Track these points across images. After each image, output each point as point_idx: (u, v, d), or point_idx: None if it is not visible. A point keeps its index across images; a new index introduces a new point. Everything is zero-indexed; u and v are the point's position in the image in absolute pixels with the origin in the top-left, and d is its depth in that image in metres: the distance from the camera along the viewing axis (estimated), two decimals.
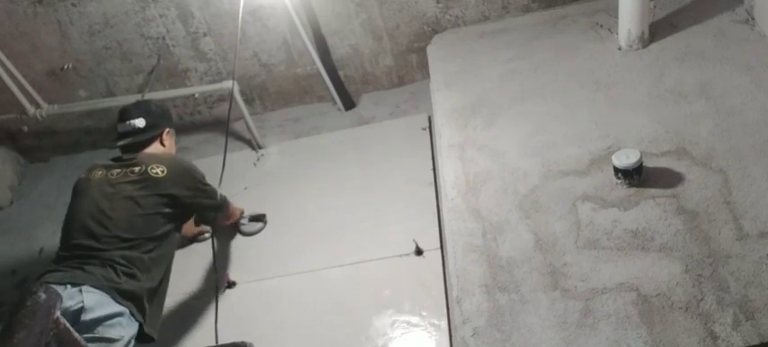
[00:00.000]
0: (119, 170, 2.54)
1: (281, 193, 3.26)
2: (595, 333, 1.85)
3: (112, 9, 3.35)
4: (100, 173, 2.56)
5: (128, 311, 2.24)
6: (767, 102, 2.38)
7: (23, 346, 1.72)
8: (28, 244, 3.45)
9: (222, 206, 2.79)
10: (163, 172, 2.53)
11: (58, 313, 1.80)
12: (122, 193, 2.46)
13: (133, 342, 2.26)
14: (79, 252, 2.34)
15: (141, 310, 2.31)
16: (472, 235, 2.25)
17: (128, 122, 2.67)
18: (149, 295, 2.36)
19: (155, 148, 2.70)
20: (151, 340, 2.36)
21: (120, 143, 2.67)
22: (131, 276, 2.31)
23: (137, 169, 2.53)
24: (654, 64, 2.72)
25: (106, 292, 2.21)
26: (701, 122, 2.38)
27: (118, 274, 2.28)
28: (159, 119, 2.76)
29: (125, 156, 2.63)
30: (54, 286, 2.08)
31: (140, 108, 2.76)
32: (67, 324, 1.86)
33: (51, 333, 1.78)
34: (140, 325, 2.30)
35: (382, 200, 3.04)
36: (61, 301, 1.90)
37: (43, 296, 1.77)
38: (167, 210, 2.51)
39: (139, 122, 2.66)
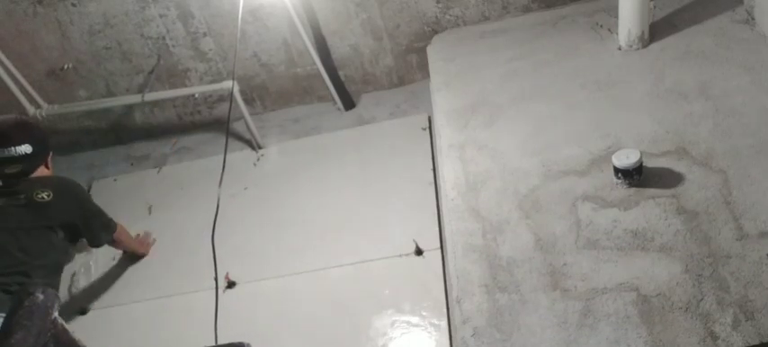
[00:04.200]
0: (3, 201, 2.48)
1: (280, 193, 3.26)
2: (595, 333, 1.85)
3: (112, 9, 3.35)
4: None
5: None
6: (767, 102, 2.38)
7: (21, 346, 1.73)
8: None
9: (111, 230, 2.81)
10: (48, 196, 2.49)
11: (55, 314, 1.80)
12: (9, 223, 2.43)
13: None
14: None
15: None
16: (472, 235, 2.25)
17: (13, 148, 2.51)
18: None
19: (39, 172, 2.65)
20: None
21: (8, 171, 2.54)
22: None
23: (22, 196, 2.48)
24: (654, 64, 2.71)
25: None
26: (701, 122, 2.38)
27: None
28: (44, 142, 2.66)
29: (6, 185, 2.53)
30: None
31: (23, 132, 2.59)
32: (65, 325, 1.86)
33: (49, 334, 1.78)
34: None
35: (382, 200, 3.04)
36: (59, 302, 1.90)
37: (41, 296, 1.77)
38: (58, 236, 2.52)
39: (26, 148, 2.53)
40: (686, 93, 2.53)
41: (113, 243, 2.90)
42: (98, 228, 2.75)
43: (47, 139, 2.73)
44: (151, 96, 3.48)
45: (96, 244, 2.80)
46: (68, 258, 2.66)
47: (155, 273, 3.04)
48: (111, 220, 2.83)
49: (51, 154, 2.76)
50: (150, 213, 3.34)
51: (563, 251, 2.10)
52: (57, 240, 2.54)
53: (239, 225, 3.11)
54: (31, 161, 2.58)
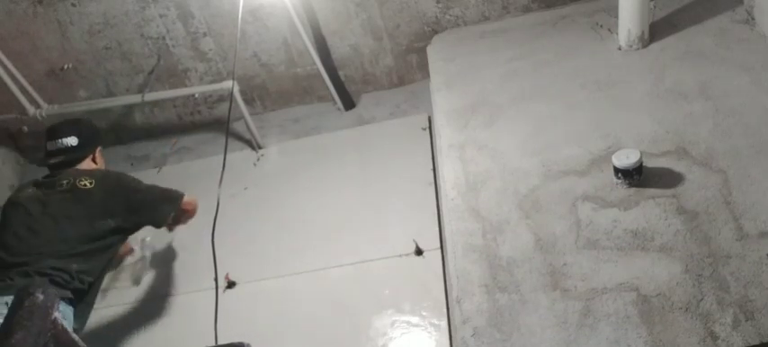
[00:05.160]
0: (48, 187, 2.55)
1: (281, 193, 3.26)
2: (595, 333, 1.85)
3: (112, 9, 3.35)
4: (30, 191, 2.57)
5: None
6: (767, 102, 2.38)
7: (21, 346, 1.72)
8: None
9: (175, 198, 2.71)
10: (91, 183, 2.53)
11: (55, 314, 1.80)
12: (51, 209, 2.47)
13: None
14: (8, 266, 2.35)
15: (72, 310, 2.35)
16: (472, 235, 2.25)
17: (59, 140, 2.67)
18: (80, 297, 2.39)
19: (86, 165, 2.71)
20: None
21: (52, 161, 2.67)
22: (59, 285, 2.34)
23: (65, 182, 2.54)
24: (654, 64, 2.71)
25: None
26: (701, 122, 2.38)
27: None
28: (91, 137, 2.77)
29: (54, 174, 2.63)
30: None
31: (72, 126, 2.76)
32: (65, 325, 1.86)
33: (49, 334, 1.77)
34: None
35: (382, 200, 3.04)
36: (59, 302, 1.90)
37: (41, 296, 1.77)
38: (103, 223, 2.50)
39: (72, 140, 2.67)
40: (686, 93, 2.53)
41: (183, 214, 2.74)
42: (156, 202, 2.64)
43: (95, 135, 2.83)
44: (151, 96, 3.48)
45: (160, 219, 2.66)
46: (104, 266, 2.59)
47: (155, 273, 3.04)
48: (172, 191, 2.70)
49: (99, 149, 2.80)
50: None
51: (563, 251, 2.10)
52: (103, 230, 2.51)
53: (239, 225, 3.11)
54: (75, 152, 2.68)
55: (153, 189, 2.71)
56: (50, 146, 2.70)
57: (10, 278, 2.30)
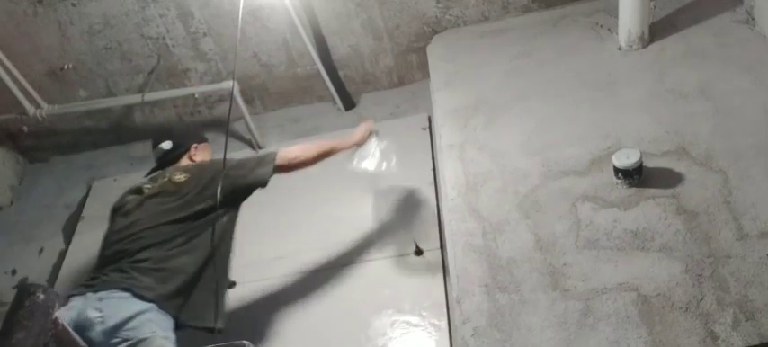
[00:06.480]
0: (148, 186, 2.63)
1: (280, 193, 3.24)
2: (595, 333, 1.85)
3: (112, 9, 3.35)
4: (129, 196, 2.64)
5: (154, 306, 2.26)
6: (767, 102, 2.38)
7: (22, 346, 1.73)
8: (28, 245, 3.44)
9: (269, 160, 2.64)
10: (184, 176, 2.59)
11: (56, 313, 1.80)
12: (146, 205, 2.53)
13: (172, 333, 2.29)
14: (104, 264, 2.40)
15: (172, 304, 2.34)
16: (472, 235, 2.25)
17: (158, 147, 2.85)
18: (182, 287, 2.39)
19: (183, 163, 2.79)
20: (216, 331, 2.41)
21: (155, 166, 2.86)
22: (154, 281, 2.33)
23: (161, 180, 2.62)
24: (654, 64, 2.71)
25: (126, 294, 2.23)
26: (701, 122, 2.38)
27: (142, 274, 2.31)
28: (184, 137, 2.91)
29: (152, 177, 2.73)
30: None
31: (167, 132, 2.97)
32: (66, 325, 1.86)
33: (50, 334, 1.78)
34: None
35: (382, 199, 3.04)
36: (60, 301, 1.91)
37: (42, 296, 1.77)
38: (200, 205, 2.51)
39: (166, 145, 2.84)
40: (686, 93, 2.53)
41: (287, 168, 2.66)
42: (251, 169, 2.61)
43: (187, 135, 2.97)
44: (151, 96, 3.48)
45: (261, 181, 2.60)
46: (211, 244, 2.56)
47: None
48: (266, 154, 2.67)
49: (196, 145, 2.85)
50: None
51: (563, 251, 2.10)
52: (202, 209, 2.50)
53: (239, 225, 3.10)
54: (170, 153, 2.83)
55: (247, 160, 2.69)
56: (154, 154, 2.88)
57: (105, 274, 2.33)
